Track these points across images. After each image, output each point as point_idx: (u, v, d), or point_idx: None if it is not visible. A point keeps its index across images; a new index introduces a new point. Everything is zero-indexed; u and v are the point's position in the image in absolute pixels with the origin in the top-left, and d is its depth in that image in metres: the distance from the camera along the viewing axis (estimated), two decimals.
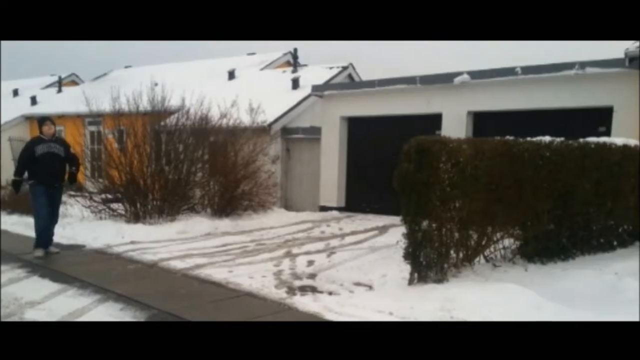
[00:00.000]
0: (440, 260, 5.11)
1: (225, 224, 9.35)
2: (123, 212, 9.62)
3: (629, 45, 7.99)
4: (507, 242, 5.93)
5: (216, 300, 4.95)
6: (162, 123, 10.59)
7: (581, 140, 6.36)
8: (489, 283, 4.92)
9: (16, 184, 7.06)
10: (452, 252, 5.28)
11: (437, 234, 5.05)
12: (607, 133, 8.19)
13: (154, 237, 8.11)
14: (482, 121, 10.05)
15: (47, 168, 6.81)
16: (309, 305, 4.69)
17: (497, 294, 4.50)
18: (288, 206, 12.61)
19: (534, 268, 5.71)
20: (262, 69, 18.42)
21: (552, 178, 5.81)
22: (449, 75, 10.23)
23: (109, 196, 10.07)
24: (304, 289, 5.28)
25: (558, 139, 6.03)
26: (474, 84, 9.93)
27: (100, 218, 9.65)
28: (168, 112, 10.87)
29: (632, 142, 6.92)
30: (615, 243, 6.74)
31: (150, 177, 9.79)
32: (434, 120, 10.27)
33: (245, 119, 11.18)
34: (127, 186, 9.71)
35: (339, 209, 11.76)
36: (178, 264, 6.34)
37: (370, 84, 11.61)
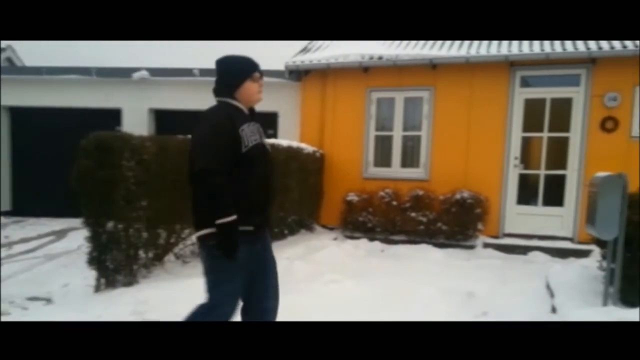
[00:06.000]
0: (129, 262, 4.96)
1: None
2: None
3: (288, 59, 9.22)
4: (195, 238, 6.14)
5: None
6: None
7: None
8: (179, 280, 5.00)
9: (229, 238, 2.50)
10: (141, 252, 5.17)
11: (124, 235, 4.87)
12: (275, 135, 9.31)
13: None
14: (165, 119, 10.10)
15: (266, 186, 2.82)
16: None
17: (186, 290, 4.60)
18: None
19: None
20: None
21: None
22: (128, 70, 9.92)
23: None
24: None
25: None
26: (155, 82, 9.87)
27: None
28: None
29: (295, 144, 8.06)
30: (286, 232, 7.75)
31: None
32: (114, 115, 9.83)
33: None
34: None
35: (3, 213, 10.06)
36: None
37: (37, 70, 10.28)
